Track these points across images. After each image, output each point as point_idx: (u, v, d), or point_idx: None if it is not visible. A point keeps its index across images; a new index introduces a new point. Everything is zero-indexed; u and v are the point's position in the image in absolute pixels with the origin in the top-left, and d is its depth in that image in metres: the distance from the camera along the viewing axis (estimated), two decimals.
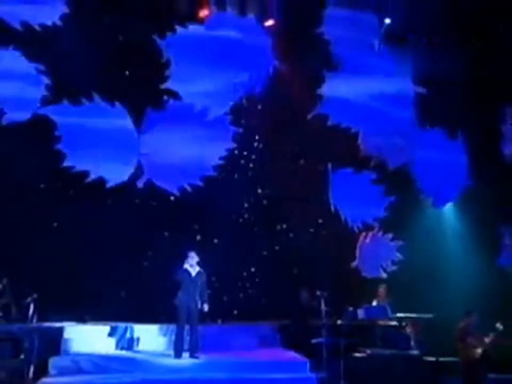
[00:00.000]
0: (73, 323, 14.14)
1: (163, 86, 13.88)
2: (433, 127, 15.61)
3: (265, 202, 16.59)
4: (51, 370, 12.47)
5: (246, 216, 16.46)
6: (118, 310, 14.29)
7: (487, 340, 13.28)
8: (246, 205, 16.47)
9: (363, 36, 15.42)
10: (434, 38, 15.65)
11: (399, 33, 15.65)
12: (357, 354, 13.21)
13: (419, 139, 15.47)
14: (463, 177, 15.72)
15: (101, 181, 13.70)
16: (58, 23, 13.23)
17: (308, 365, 12.78)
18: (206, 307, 13.24)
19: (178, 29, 14.07)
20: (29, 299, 12.71)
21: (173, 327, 13.63)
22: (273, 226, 16.63)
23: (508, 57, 15.25)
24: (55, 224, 14.47)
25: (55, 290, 13.52)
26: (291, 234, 16.55)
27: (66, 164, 13.51)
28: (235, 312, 15.74)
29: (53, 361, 12.64)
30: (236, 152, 15.28)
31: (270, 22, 15.40)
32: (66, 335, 13.80)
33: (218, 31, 14.57)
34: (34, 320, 12.76)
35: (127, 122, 13.98)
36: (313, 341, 13.12)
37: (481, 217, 15.49)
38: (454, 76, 15.22)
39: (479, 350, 13.27)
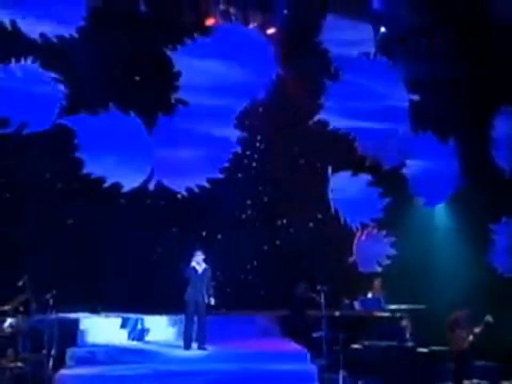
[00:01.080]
0: (87, 314, 14.24)
1: (174, 95, 13.99)
2: (426, 132, 15.68)
3: (266, 199, 16.64)
4: (68, 361, 12.51)
5: (248, 212, 16.52)
6: (129, 302, 14.36)
7: (476, 330, 13.52)
8: (248, 202, 16.52)
9: (359, 44, 15.43)
10: (427, 46, 15.68)
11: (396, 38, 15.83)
12: (355, 346, 13.22)
13: (412, 143, 15.54)
14: (454, 179, 15.77)
15: (117, 186, 13.87)
16: (75, 35, 13.24)
17: (308, 355, 12.80)
18: (212, 301, 13.32)
19: (187, 40, 14.16)
20: (48, 295, 12.79)
21: (181, 317, 13.67)
22: (274, 222, 16.69)
23: (498, 66, 15.29)
24: (72, 224, 14.56)
25: (71, 285, 13.63)
26: (291, 230, 16.59)
27: (85, 170, 13.63)
28: (238, 303, 15.61)
29: (70, 353, 12.69)
30: (239, 152, 15.23)
31: (271, 30, 15.41)
32: (82, 326, 13.85)
33: (223, 39, 14.61)
34: (53, 314, 12.66)
35: (141, 130, 14.08)
36: (314, 334, 13.28)
37: (470, 217, 15.52)
38: (446, 84, 15.26)
39: (468, 340, 13.53)
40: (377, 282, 14.97)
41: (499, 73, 15.33)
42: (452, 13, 15.22)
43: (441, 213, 16.46)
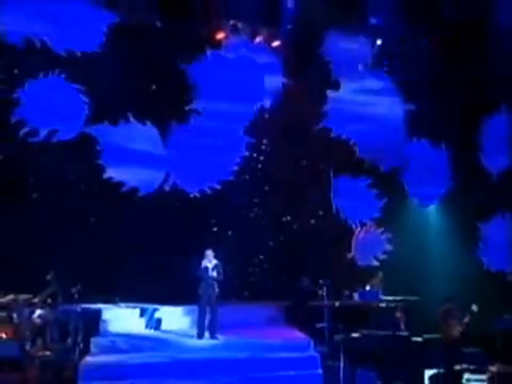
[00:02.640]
0: (109, 305, 14.25)
1: (188, 106, 14.16)
2: (420, 138, 15.81)
3: (271, 199, 16.52)
4: (92, 349, 12.53)
5: (255, 211, 16.47)
6: (146, 294, 14.27)
7: (465, 320, 13.69)
8: (255, 201, 16.48)
9: (357, 56, 15.60)
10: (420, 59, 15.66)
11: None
12: (354, 335, 13.17)
13: (407, 148, 15.68)
14: (445, 181, 15.94)
15: (135, 189, 14.05)
16: (97, 50, 13.38)
17: (312, 344, 12.83)
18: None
19: (200, 53, 14.34)
20: (73, 289, 12.95)
21: (194, 308, 13.64)
22: (279, 220, 16.64)
23: (487, 78, 15.45)
24: (95, 223, 14.59)
25: (94, 279, 13.64)
26: (294, 227, 16.57)
27: (106, 175, 13.80)
28: (246, 293, 15.83)
29: (94, 341, 12.72)
30: (247, 155, 15.41)
31: (277, 43, 15.46)
32: (104, 317, 13.91)
33: (232, 52, 14.79)
34: (78, 306, 12.91)
35: (157, 138, 14.20)
36: (318, 325, 13.41)
37: (460, 216, 15.69)
38: (439, 93, 15.36)
39: (458, 329, 13.69)
40: (376, 275, 15.02)
41: (487, 85, 15.51)
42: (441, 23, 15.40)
43: (433, 213, 16.56)
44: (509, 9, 15.14)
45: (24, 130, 13.27)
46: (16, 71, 13.69)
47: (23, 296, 12.59)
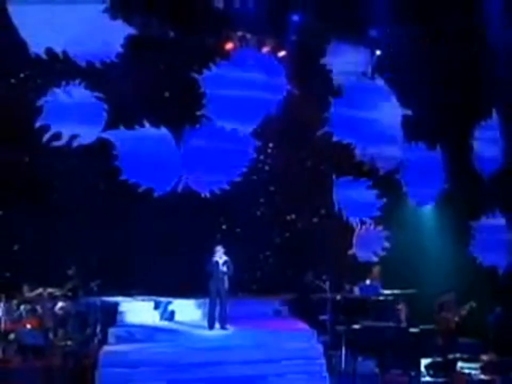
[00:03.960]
0: (126, 298, 14.33)
1: (199, 111, 14.22)
2: (417, 142, 15.84)
3: (277, 198, 16.71)
4: (110, 339, 12.47)
5: (261, 209, 16.63)
6: (161, 288, 14.42)
7: (461, 312, 13.84)
8: (261, 201, 16.66)
9: (358, 65, 15.67)
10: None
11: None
12: (355, 326, 13.28)
13: (405, 151, 15.74)
14: (440, 182, 15.97)
15: (150, 190, 14.12)
16: (115, 60, 13.33)
17: (315, 334, 12.77)
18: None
19: (211, 65, 14.38)
20: (93, 283, 13.18)
21: (206, 301, 13.64)
22: (284, 218, 16.79)
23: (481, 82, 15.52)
24: (112, 223, 14.66)
25: (112, 273, 13.86)
26: (299, 225, 16.73)
27: (123, 177, 13.88)
28: (253, 287, 15.93)
29: (111, 332, 12.66)
30: (255, 158, 15.41)
31: (282, 53, 15.49)
32: (121, 309, 13.90)
33: (241, 62, 14.80)
34: (97, 299, 13.10)
35: (170, 142, 14.27)
36: (321, 317, 13.53)
37: (454, 215, 15.73)
38: (435, 99, 15.43)
39: (453, 321, 13.85)
40: (375, 270, 15.04)
41: (479, 91, 15.58)
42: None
43: (429, 212, 16.61)
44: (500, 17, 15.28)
45: (47, 135, 13.35)
46: (40, 80, 13.88)
47: (48, 290, 12.81)
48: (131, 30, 13.46)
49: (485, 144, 16.11)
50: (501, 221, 16.35)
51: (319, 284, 13.91)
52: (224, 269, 13.35)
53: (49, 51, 12.69)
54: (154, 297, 14.49)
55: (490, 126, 16.29)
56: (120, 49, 13.32)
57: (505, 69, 15.50)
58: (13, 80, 14.02)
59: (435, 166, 15.94)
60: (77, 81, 13.44)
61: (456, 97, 15.55)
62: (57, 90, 13.39)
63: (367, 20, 15.15)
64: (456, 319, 13.80)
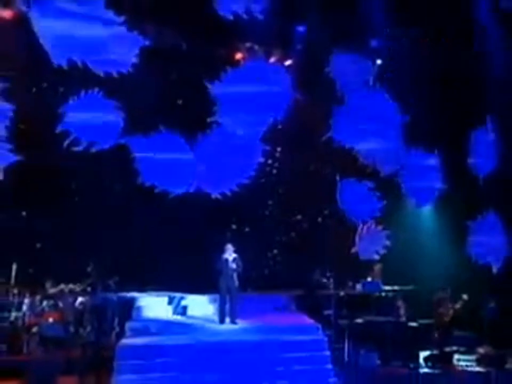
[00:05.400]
0: (142, 294, 14.36)
1: (211, 118, 14.28)
2: (415, 146, 15.78)
3: (284, 200, 16.75)
4: (127, 332, 12.64)
5: (269, 210, 16.69)
6: (174, 284, 14.49)
7: (456, 307, 13.88)
8: (269, 202, 16.75)
9: (360, 74, 15.67)
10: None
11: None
12: (358, 320, 13.40)
13: (405, 155, 15.70)
14: (438, 184, 15.92)
15: (165, 192, 14.21)
16: (131, 70, 13.47)
17: (320, 328, 12.82)
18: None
19: (221, 71, 14.38)
20: (110, 280, 13.28)
21: (217, 297, 13.70)
22: (290, 218, 16.86)
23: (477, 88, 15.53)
24: (129, 223, 14.71)
25: (128, 271, 13.95)
26: (304, 225, 16.79)
27: (140, 179, 13.95)
28: (261, 284, 15.88)
29: (128, 325, 12.85)
30: (263, 162, 15.41)
31: (289, 62, 15.60)
32: (137, 304, 14.02)
33: (250, 71, 14.79)
34: (115, 295, 13.18)
35: (184, 147, 14.34)
36: (325, 312, 13.60)
37: (451, 215, 15.77)
38: (432, 106, 15.42)
39: (449, 315, 13.88)
40: (377, 268, 15.09)
41: (476, 98, 15.61)
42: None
43: (428, 212, 16.62)
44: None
45: (68, 140, 13.47)
46: (61, 89, 14.02)
47: (69, 286, 12.92)
48: (146, 42, 13.57)
49: (480, 147, 16.06)
50: (495, 221, 16.29)
51: (326, 280, 13.96)
52: (234, 266, 13.39)
53: (70, 62, 12.82)
54: (168, 293, 14.54)
55: (485, 130, 16.23)
56: (135, 60, 13.46)
57: (498, 75, 15.57)
58: (35, 89, 14.11)
59: (433, 169, 15.94)
60: (95, 90, 13.54)
61: (453, 104, 15.61)
62: (77, 98, 13.53)
63: (368, 31, 15.21)
64: (451, 312, 13.81)
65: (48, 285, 13.21)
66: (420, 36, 15.51)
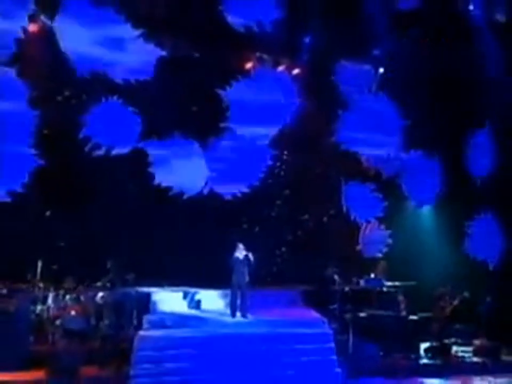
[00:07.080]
0: (158, 289, 14.30)
1: (223, 124, 14.43)
2: (416, 150, 15.92)
3: (291, 200, 16.61)
4: (144, 325, 12.65)
5: (277, 210, 16.57)
6: (189, 279, 14.39)
7: (455, 302, 13.92)
8: (277, 203, 16.59)
9: (363, 81, 15.85)
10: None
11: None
12: (361, 314, 13.43)
13: (406, 158, 15.81)
14: (438, 185, 16.02)
15: (180, 193, 14.35)
16: (148, 78, 13.68)
17: (326, 322, 12.87)
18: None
19: (232, 79, 14.63)
20: (128, 276, 13.24)
21: (229, 292, 13.70)
22: (297, 218, 16.69)
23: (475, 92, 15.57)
24: (146, 222, 14.70)
25: (145, 267, 13.84)
26: (310, 224, 16.66)
27: (156, 181, 14.13)
28: (270, 280, 15.79)
29: (145, 318, 12.87)
30: (271, 164, 15.60)
31: (296, 71, 15.69)
32: (153, 298, 14.01)
33: (259, 79, 15.03)
34: (132, 290, 13.14)
35: (197, 151, 14.50)
36: (331, 306, 13.64)
37: (450, 215, 15.78)
38: (431, 111, 15.51)
39: (449, 309, 13.92)
40: (381, 265, 14.98)
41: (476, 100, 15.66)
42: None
43: (428, 212, 16.63)
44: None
45: (89, 145, 13.63)
46: (84, 96, 14.09)
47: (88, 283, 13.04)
48: (162, 52, 13.73)
49: (478, 150, 16.12)
50: (492, 221, 16.36)
51: (336, 277, 13.93)
52: (245, 263, 13.42)
53: (91, 71, 12.95)
54: (183, 288, 14.57)
55: (483, 134, 16.30)
56: (152, 69, 13.64)
57: (496, 80, 15.65)
58: (59, 98, 14.24)
59: (432, 171, 15.99)
60: (115, 98, 13.71)
61: (452, 106, 15.62)
62: (98, 105, 13.67)
63: (370, 40, 15.32)
64: (450, 308, 13.85)
65: (70, 280, 13.31)
66: (420, 36, 15.48)
